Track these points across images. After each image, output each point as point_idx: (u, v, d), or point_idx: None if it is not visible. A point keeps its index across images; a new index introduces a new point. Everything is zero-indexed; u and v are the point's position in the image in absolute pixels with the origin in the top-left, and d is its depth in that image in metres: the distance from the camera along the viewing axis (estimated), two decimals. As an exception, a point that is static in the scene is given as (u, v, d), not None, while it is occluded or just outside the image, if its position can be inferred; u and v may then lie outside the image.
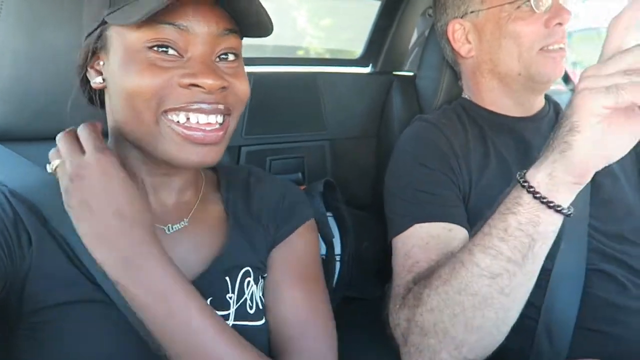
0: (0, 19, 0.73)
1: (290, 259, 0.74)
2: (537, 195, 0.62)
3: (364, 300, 1.12)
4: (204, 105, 0.60)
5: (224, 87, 0.61)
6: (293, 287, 0.71)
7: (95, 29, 0.63)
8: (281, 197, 0.78)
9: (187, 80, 0.59)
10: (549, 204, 0.62)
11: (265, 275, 0.73)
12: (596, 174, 0.93)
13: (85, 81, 0.68)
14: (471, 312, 0.67)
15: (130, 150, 0.66)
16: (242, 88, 0.65)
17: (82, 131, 0.62)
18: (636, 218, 0.94)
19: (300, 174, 1.33)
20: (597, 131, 0.57)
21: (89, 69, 0.66)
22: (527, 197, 0.63)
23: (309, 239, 0.77)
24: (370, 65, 1.62)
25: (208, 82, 0.58)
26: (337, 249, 1.05)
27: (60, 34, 0.75)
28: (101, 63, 0.64)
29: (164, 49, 0.59)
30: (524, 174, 0.65)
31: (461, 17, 0.98)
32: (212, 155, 0.62)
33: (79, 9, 0.67)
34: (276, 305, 0.71)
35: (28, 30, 0.75)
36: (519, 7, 0.89)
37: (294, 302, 0.70)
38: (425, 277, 0.74)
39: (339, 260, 1.05)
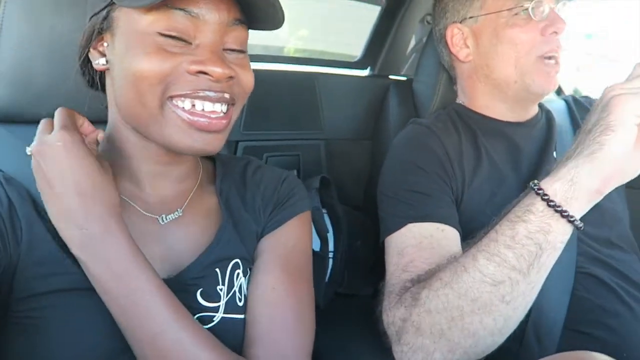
0: (6, 1, 0.73)
1: (277, 249, 0.72)
2: (552, 203, 0.62)
3: (355, 297, 1.13)
4: (210, 93, 0.59)
5: (231, 77, 0.60)
6: (274, 277, 0.69)
7: (102, 9, 0.62)
8: (279, 183, 0.76)
9: (196, 67, 0.58)
10: (562, 213, 0.62)
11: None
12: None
13: (86, 62, 0.66)
14: (469, 317, 0.66)
15: (130, 136, 0.66)
16: (247, 79, 0.64)
17: (56, 113, 0.62)
18: (623, 225, 0.97)
19: (295, 172, 1.35)
20: (630, 135, 0.58)
21: (91, 49, 0.65)
22: (540, 205, 0.63)
23: (301, 232, 0.75)
24: (369, 68, 1.64)
25: (217, 70, 0.58)
26: (330, 246, 1.06)
27: (65, 18, 0.75)
28: (105, 44, 0.63)
29: (174, 34, 0.58)
30: (539, 182, 0.65)
31: (460, 22, 1.00)
32: (215, 143, 0.62)
33: None
34: (253, 293, 0.68)
35: (33, 14, 0.75)
36: (516, 14, 0.91)
37: (272, 293, 0.68)
38: (424, 279, 0.74)
39: (332, 257, 1.06)
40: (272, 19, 0.63)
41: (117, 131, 0.67)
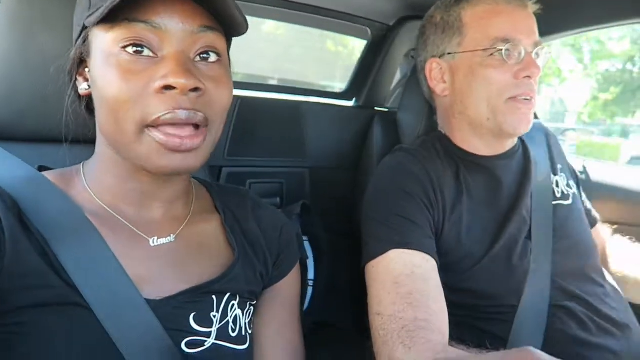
0: None
1: (280, 299, 0.77)
2: None
3: (333, 327, 1.12)
4: (180, 114, 0.57)
5: (197, 88, 0.58)
6: (278, 324, 0.76)
7: (80, 35, 0.62)
8: (279, 231, 0.79)
9: (160, 83, 0.56)
10: None
11: (254, 303, 0.73)
12: (557, 209, 0.98)
13: (75, 88, 0.66)
14: None
15: (114, 157, 0.64)
16: (220, 95, 0.61)
17: None
18: (595, 257, 0.99)
19: (278, 199, 1.35)
20: None
21: (77, 76, 0.65)
22: None
23: (297, 278, 0.81)
24: (354, 99, 1.67)
25: (180, 81, 0.55)
26: (310, 274, 1.05)
27: (53, 38, 0.75)
28: (87, 69, 0.63)
29: (139, 49, 0.57)
30: None
31: (439, 57, 1.02)
32: (189, 162, 0.60)
33: (72, 15, 0.67)
34: (260, 338, 0.74)
35: (21, 33, 0.75)
36: (492, 54, 0.93)
37: (277, 337, 0.75)
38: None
39: (312, 285, 1.05)
40: (237, 24, 0.62)
41: (102, 151, 0.66)
